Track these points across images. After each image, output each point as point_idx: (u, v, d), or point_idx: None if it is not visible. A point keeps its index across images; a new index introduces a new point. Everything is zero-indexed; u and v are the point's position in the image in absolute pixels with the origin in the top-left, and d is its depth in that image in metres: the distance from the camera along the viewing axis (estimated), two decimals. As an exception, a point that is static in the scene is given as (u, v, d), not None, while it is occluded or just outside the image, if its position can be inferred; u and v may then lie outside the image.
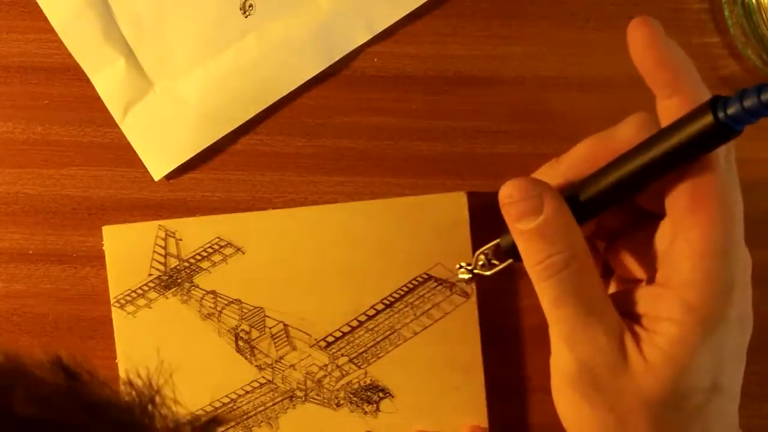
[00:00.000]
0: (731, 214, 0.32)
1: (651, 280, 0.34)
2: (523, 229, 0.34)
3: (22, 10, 0.45)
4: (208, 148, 0.45)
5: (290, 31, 0.45)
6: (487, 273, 0.39)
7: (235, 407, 0.44)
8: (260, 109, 0.45)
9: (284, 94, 0.45)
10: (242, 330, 0.44)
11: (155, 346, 0.44)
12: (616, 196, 0.34)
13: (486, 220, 0.41)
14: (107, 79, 0.45)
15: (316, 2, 0.44)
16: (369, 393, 0.44)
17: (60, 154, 0.45)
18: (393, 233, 0.44)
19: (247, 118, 0.45)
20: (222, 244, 0.44)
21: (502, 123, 0.44)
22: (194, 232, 0.44)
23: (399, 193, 0.44)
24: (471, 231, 0.43)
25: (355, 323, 0.44)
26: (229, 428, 0.44)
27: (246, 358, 0.44)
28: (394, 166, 0.45)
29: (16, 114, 0.45)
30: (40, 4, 0.45)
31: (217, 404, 0.44)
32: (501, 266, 0.38)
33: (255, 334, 0.44)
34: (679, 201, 0.32)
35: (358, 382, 0.44)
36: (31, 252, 0.45)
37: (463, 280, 0.39)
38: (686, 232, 0.32)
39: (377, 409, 0.44)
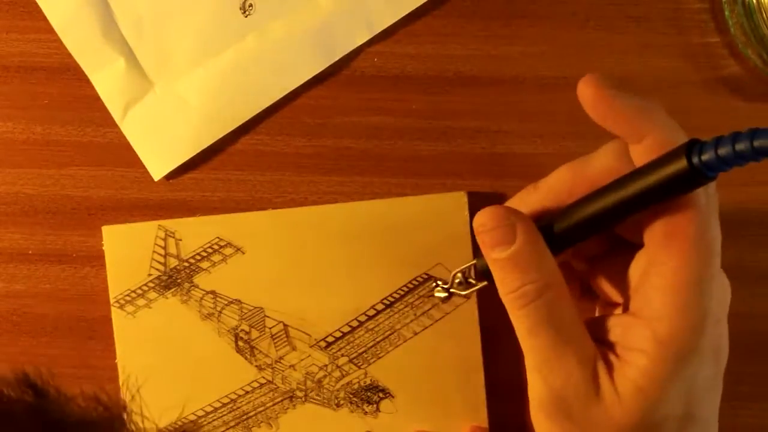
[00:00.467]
0: (706, 248, 0.32)
1: (627, 307, 0.35)
2: (497, 257, 0.34)
3: (22, 10, 0.45)
4: (208, 148, 0.45)
5: (290, 31, 0.45)
6: (464, 293, 0.39)
7: (234, 407, 0.44)
8: (260, 109, 0.45)
9: (284, 94, 0.45)
10: (242, 330, 0.44)
11: (155, 346, 0.44)
12: (590, 230, 0.34)
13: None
14: (107, 79, 0.45)
15: (316, 2, 0.44)
16: (369, 393, 0.44)
17: (60, 154, 0.45)
18: (393, 233, 0.44)
19: (247, 118, 0.45)
20: (222, 244, 0.44)
21: (502, 123, 0.44)
22: (194, 232, 0.44)
23: (399, 193, 0.44)
24: (471, 231, 0.43)
25: (355, 323, 0.44)
26: (229, 428, 0.44)
27: (246, 359, 0.44)
28: (394, 166, 0.45)
29: (16, 114, 0.45)
30: (40, 4, 0.45)
31: (217, 404, 0.44)
32: (477, 287, 0.38)
33: (255, 334, 0.44)
34: (654, 233, 0.32)
35: (358, 382, 0.44)
36: (30, 252, 0.45)
37: (439, 298, 0.40)
38: (659, 265, 0.32)
39: (377, 409, 0.44)
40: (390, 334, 0.44)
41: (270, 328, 0.44)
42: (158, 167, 0.45)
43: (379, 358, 0.44)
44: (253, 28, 0.45)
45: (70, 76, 0.45)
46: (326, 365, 0.44)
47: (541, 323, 0.33)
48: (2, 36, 0.45)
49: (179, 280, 0.44)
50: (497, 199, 0.44)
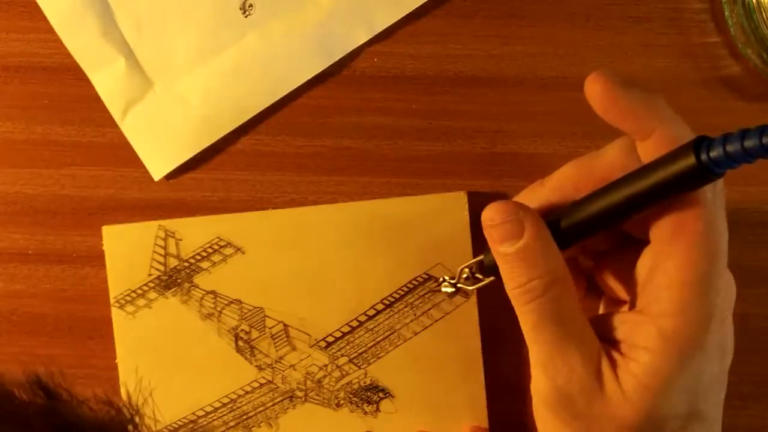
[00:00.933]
0: (713, 245, 0.32)
1: (633, 304, 0.35)
2: (504, 252, 0.34)
3: (22, 10, 0.45)
4: (208, 148, 0.45)
5: (290, 31, 0.45)
6: (470, 288, 0.39)
7: (234, 407, 0.44)
8: (260, 109, 0.45)
9: (284, 94, 0.45)
10: (242, 330, 0.44)
11: (155, 346, 0.44)
12: (598, 226, 0.34)
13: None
14: (107, 79, 0.45)
15: (317, 2, 0.44)
16: (369, 393, 0.44)
17: (60, 154, 0.45)
18: (393, 233, 0.43)
19: (247, 118, 0.45)
20: (222, 244, 0.44)
21: (502, 123, 0.44)
22: (194, 232, 0.44)
23: (399, 193, 0.44)
24: (471, 231, 0.43)
25: (355, 323, 0.44)
26: (229, 428, 0.44)
27: (246, 358, 0.44)
28: (394, 166, 0.45)
29: (16, 114, 0.45)
30: (39, 4, 0.45)
31: (217, 404, 0.44)
32: (484, 282, 0.38)
33: (255, 334, 0.44)
34: (661, 230, 0.33)
35: (358, 382, 0.44)
36: (31, 252, 0.45)
37: (446, 293, 0.40)
38: (666, 262, 0.32)
39: (377, 409, 0.44)
40: (390, 334, 0.44)
41: (270, 328, 0.44)
42: (158, 167, 0.45)
43: (379, 358, 0.44)
44: (253, 28, 0.45)
45: (70, 76, 0.45)
46: (326, 365, 0.44)
47: (546, 319, 0.33)
48: (2, 36, 0.45)
49: (179, 280, 0.44)
50: (497, 199, 0.44)
